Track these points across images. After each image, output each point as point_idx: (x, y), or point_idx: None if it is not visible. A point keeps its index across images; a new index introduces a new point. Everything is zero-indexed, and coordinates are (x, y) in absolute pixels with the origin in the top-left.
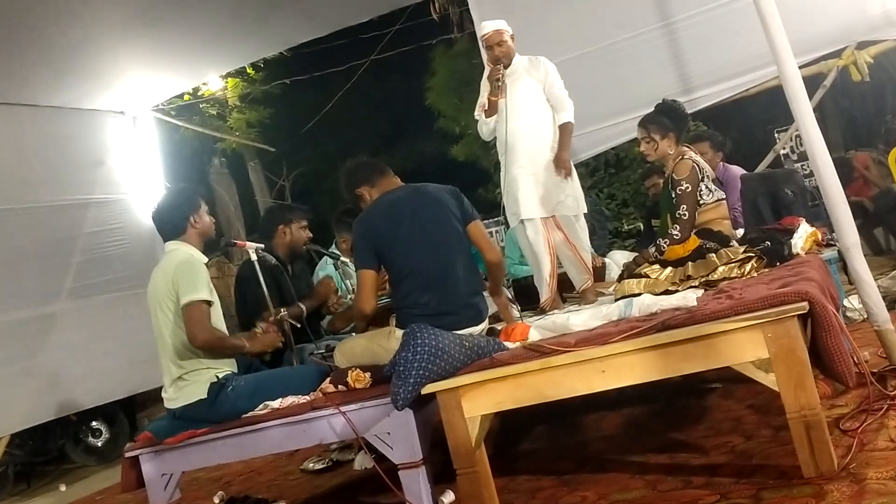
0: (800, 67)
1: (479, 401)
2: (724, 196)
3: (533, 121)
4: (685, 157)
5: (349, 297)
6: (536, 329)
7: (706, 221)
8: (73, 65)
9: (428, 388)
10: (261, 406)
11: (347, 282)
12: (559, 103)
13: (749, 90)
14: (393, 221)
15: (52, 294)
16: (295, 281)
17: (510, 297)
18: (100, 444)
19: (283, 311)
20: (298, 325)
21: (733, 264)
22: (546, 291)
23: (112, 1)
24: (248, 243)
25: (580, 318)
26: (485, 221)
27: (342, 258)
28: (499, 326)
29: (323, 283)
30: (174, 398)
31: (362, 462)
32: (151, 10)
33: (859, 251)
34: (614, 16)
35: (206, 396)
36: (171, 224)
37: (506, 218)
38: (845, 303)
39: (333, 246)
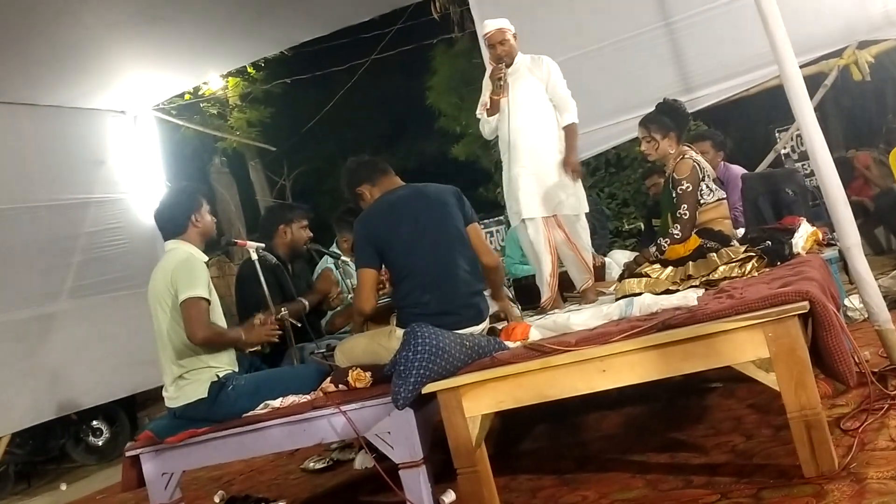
0: (801, 67)
1: (479, 400)
2: (725, 195)
3: (535, 120)
4: (686, 156)
5: (349, 296)
6: (537, 328)
7: (707, 221)
8: (74, 64)
9: (428, 388)
10: (261, 405)
11: (348, 281)
12: (562, 104)
13: (750, 90)
14: (394, 221)
15: (52, 294)
16: (295, 280)
17: (510, 296)
18: (100, 443)
19: (284, 310)
20: (299, 325)
21: (734, 264)
22: (547, 291)
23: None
24: (249, 242)
25: (581, 318)
26: (485, 221)
27: (343, 257)
28: (499, 326)
29: (323, 276)
30: (175, 397)
31: (363, 461)
32: (152, 9)
33: (860, 251)
34: (615, 15)
35: (206, 395)
36: (172, 222)
37: (507, 217)
38: (846, 302)
39: (334, 245)
